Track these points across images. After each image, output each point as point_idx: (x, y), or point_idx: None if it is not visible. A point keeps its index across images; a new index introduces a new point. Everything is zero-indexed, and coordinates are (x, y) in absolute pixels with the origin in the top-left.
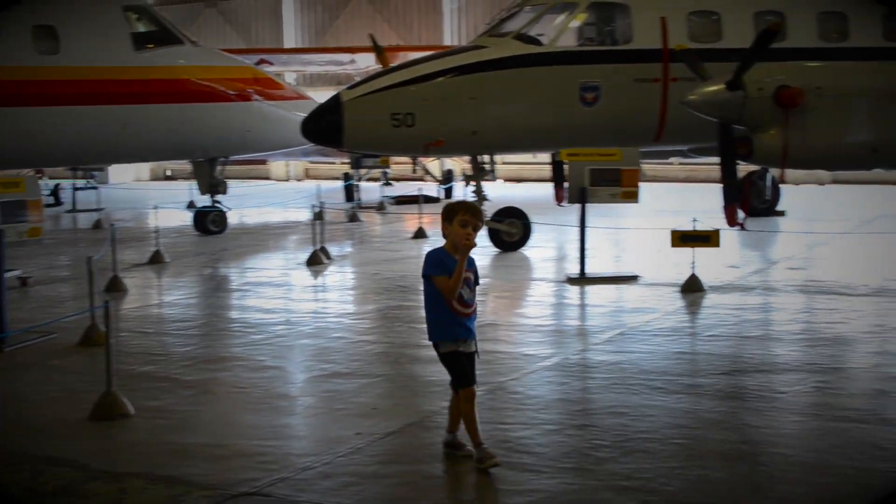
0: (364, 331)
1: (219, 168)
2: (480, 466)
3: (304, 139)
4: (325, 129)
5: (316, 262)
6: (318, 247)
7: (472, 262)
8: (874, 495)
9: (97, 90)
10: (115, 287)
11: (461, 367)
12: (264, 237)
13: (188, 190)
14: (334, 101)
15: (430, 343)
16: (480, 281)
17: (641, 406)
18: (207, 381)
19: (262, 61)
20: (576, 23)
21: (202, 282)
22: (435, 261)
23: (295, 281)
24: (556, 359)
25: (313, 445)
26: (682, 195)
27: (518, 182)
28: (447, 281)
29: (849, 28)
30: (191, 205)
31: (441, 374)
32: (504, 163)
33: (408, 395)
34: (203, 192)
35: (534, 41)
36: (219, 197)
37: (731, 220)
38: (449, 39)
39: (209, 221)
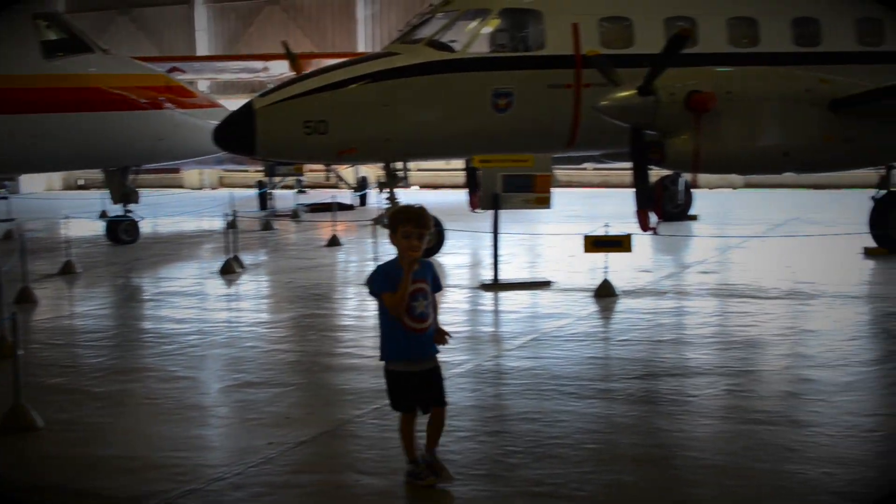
0: (277, 340)
1: (131, 177)
2: (417, 482)
3: (217, 147)
4: (237, 137)
5: (229, 271)
6: (231, 256)
7: (427, 269)
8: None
9: (6, 98)
10: (26, 298)
11: (400, 389)
12: (177, 246)
13: (100, 199)
14: (246, 109)
15: (376, 358)
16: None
17: (554, 411)
18: (118, 393)
19: (174, 69)
20: (488, 29)
21: (114, 292)
22: (381, 276)
23: (208, 290)
24: (470, 365)
25: (225, 456)
26: (596, 201)
27: (433, 188)
28: (391, 297)
29: (759, 33)
30: (103, 214)
31: (354, 381)
32: (419, 169)
33: (321, 404)
34: (115, 202)
35: (446, 48)
36: (131, 206)
37: (644, 225)
38: (363, 46)
39: (121, 231)
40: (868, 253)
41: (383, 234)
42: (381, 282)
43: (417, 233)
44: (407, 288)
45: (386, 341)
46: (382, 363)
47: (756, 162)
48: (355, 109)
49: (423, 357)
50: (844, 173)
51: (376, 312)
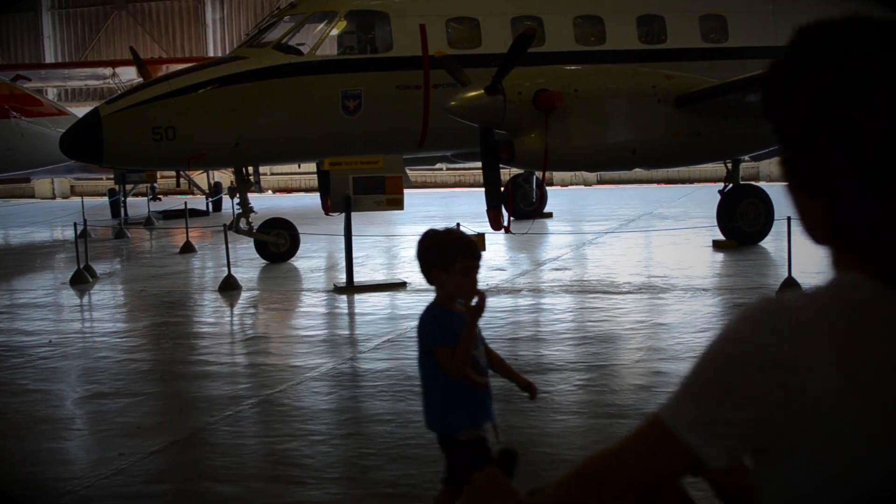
0: (129, 349)
1: None
2: None
3: (65, 156)
4: (84, 144)
5: (80, 280)
6: (83, 265)
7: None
8: None
9: None
10: None
11: (480, 460)
12: (28, 257)
13: None
14: (93, 116)
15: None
16: None
17: (408, 412)
18: None
19: (18, 77)
20: (336, 31)
21: None
22: (438, 326)
23: (59, 301)
24: (324, 368)
25: (75, 469)
26: (450, 201)
27: (287, 192)
28: (451, 352)
29: (605, 31)
30: None
31: (207, 389)
32: (272, 173)
33: (173, 412)
34: None
35: (294, 51)
36: None
37: (496, 224)
38: (213, 51)
39: None
40: (717, 246)
41: (237, 240)
42: (441, 334)
43: (477, 266)
44: (471, 339)
45: (453, 408)
46: (436, 434)
47: (605, 159)
48: (203, 114)
49: (488, 418)
50: (694, 168)
51: (418, 372)
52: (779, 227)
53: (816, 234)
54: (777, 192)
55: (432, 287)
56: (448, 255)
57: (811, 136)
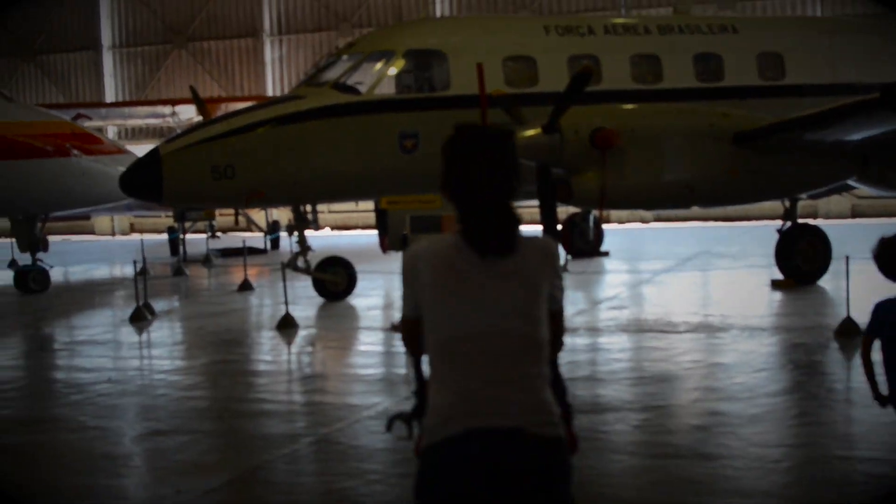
0: (187, 386)
1: (39, 225)
2: None
3: (124, 194)
4: (144, 183)
5: (139, 318)
6: (142, 303)
7: None
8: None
9: None
10: None
11: None
12: (88, 294)
13: (8, 248)
14: (153, 155)
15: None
16: None
17: None
18: (26, 445)
19: (79, 115)
20: (393, 70)
21: (24, 342)
22: None
23: (118, 338)
24: (381, 407)
25: None
26: None
27: (345, 230)
28: None
29: (662, 70)
30: (12, 263)
31: (265, 427)
32: (330, 211)
33: (231, 450)
34: (23, 250)
35: (352, 90)
36: (40, 254)
37: None
38: (272, 90)
39: (31, 280)
40: (775, 285)
41: (295, 278)
42: None
43: None
44: None
45: None
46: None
47: (662, 197)
48: (262, 153)
49: None
50: (752, 206)
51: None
52: (837, 265)
53: None
54: (835, 230)
55: None
56: None
57: None
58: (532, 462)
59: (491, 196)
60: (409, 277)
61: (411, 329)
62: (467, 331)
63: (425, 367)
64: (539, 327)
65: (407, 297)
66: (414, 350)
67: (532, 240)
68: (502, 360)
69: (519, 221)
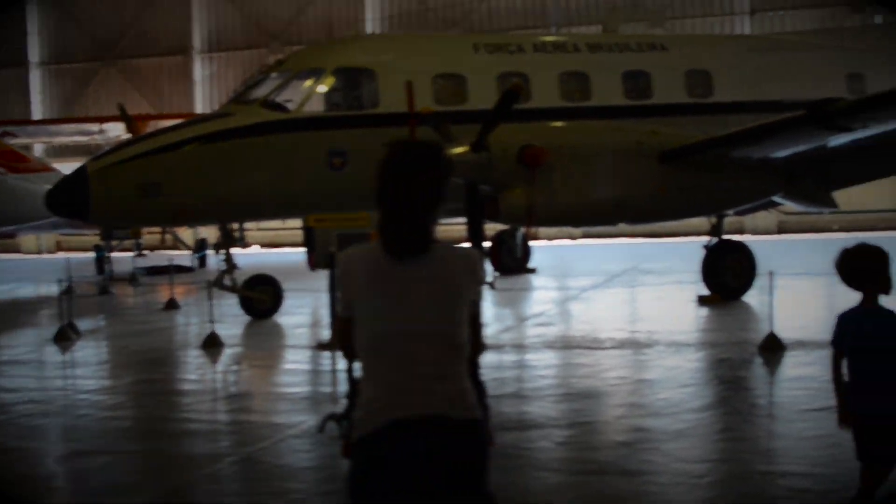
0: (111, 406)
1: None
2: None
3: (50, 212)
4: (70, 201)
5: (64, 337)
6: (66, 322)
7: None
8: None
9: None
10: None
11: None
12: (12, 314)
13: None
14: (80, 173)
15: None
16: None
17: None
18: None
19: (5, 133)
20: (323, 88)
21: None
22: None
23: (42, 358)
24: (306, 426)
25: None
26: None
27: (274, 247)
28: None
29: (591, 87)
30: None
31: (188, 446)
32: (259, 228)
33: (153, 470)
34: None
35: (280, 107)
36: None
37: None
38: (201, 107)
39: None
40: (701, 300)
41: (221, 296)
42: None
43: None
44: None
45: None
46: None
47: (590, 214)
48: (189, 171)
49: None
50: (680, 222)
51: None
52: (762, 281)
53: None
54: (761, 246)
55: None
56: None
57: None
58: (454, 442)
59: (413, 205)
60: (343, 279)
61: (344, 328)
62: (391, 328)
63: (357, 370)
64: (458, 328)
65: (341, 297)
66: (347, 350)
67: (457, 249)
68: (424, 356)
69: (431, 225)
